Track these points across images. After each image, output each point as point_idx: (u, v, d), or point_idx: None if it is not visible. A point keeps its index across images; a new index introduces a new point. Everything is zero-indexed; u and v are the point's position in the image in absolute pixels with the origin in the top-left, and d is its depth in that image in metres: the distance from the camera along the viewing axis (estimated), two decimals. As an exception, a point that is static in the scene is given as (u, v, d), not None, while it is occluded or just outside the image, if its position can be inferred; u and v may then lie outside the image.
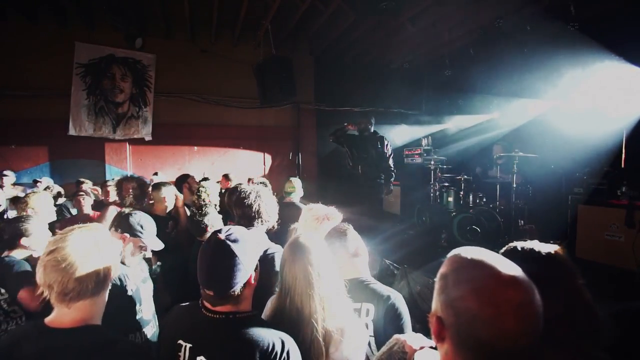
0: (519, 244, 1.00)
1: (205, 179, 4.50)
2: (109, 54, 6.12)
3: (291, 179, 3.77)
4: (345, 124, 5.11)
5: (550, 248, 0.97)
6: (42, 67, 5.75)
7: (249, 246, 1.20)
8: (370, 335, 1.50)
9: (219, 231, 1.20)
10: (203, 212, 2.47)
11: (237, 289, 1.14)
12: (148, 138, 6.46)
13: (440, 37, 6.15)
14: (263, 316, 1.43)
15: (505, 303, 0.60)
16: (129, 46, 5.97)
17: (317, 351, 1.24)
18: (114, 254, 1.17)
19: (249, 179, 5.51)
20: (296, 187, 3.68)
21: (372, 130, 5.02)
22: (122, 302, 1.61)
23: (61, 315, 1.07)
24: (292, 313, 1.28)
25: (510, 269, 0.65)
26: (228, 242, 1.15)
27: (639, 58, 4.40)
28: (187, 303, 1.29)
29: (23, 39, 5.68)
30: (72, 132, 5.96)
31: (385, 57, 7.47)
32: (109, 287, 1.16)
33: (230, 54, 6.75)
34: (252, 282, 1.21)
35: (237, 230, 1.22)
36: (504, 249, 1.04)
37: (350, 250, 1.66)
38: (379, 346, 1.45)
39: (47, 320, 1.08)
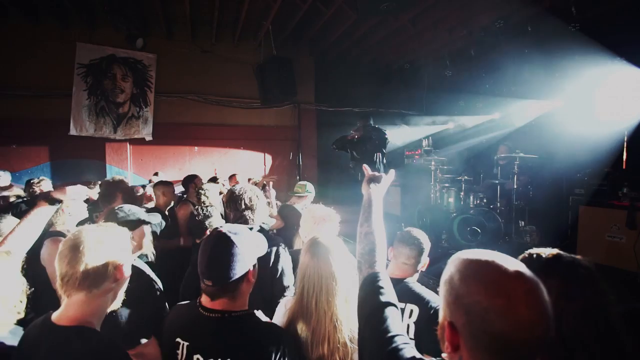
0: (535, 251, 0.98)
1: (214, 178, 4.51)
2: (110, 54, 6.12)
3: (305, 182, 3.50)
4: (347, 135, 5.10)
5: (571, 255, 0.94)
6: (43, 67, 5.76)
7: (249, 240, 1.22)
8: (411, 338, 1.48)
9: (221, 226, 1.26)
10: (207, 213, 2.45)
11: (235, 280, 1.15)
12: (149, 138, 6.46)
13: (441, 38, 6.14)
14: (279, 317, 1.43)
15: (513, 292, 0.61)
16: (130, 46, 5.98)
17: (343, 354, 1.25)
18: (122, 254, 1.14)
19: (249, 179, 5.51)
20: (306, 190, 3.37)
21: (371, 127, 5.02)
22: None
23: (62, 310, 1.07)
24: (320, 313, 1.28)
25: (512, 262, 0.66)
26: (229, 233, 1.19)
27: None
28: (187, 302, 1.30)
29: (24, 39, 5.69)
30: (73, 132, 5.96)
31: (386, 57, 7.47)
32: (117, 293, 1.14)
33: (231, 55, 6.76)
34: (251, 279, 1.22)
35: (238, 226, 1.26)
36: (520, 257, 1.00)
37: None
38: (419, 351, 1.42)
39: (53, 314, 1.08)
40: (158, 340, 1.38)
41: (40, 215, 1.54)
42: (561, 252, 0.97)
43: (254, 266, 1.24)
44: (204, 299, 1.20)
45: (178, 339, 1.17)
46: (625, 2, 4.53)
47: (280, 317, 1.43)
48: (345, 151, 5.21)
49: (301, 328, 1.30)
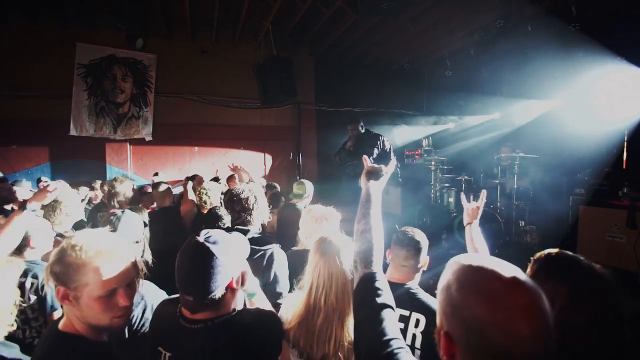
0: (552, 254, 0.96)
1: (215, 178, 4.50)
2: (110, 55, 6.12)
3: (303, 180, 3.49)
4: (346, 145, 5.00)
5: (590, 263, 0.93)
6: (43, 67, 5.76)
7: (230, 248, 1.12)
8: (417, 348, 1.47)
9: (198, 234, 1.12)
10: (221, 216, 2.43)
11: (218, 293, 1.06)
12: (149, 138, 6.46)
13: (441, 38, 6.14)
14: (284, 312, 1.41)
15: (513, 305, 0.58)
16: (130, 46, 5.97)
17: (347, 352, 1.25)
18: (114, 263, 1.02)
19: (249, 179, 5.50)
20: (306, 190, 3.34)
21: (362, 131, 4.95)
22: None
23: (64, 316, 1.06)
24: (329, 311, 1.27)
25: (511, 270, 0.63)
26: (207, 244, 1.08)
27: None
28: (171, 305, 1.20)
29: (24, 40, 5.69)
30: (73, 132, 5.97)
31: (386, 57, 7.47)
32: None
33: (231, 54, 6.76)
34: (235, 287, 1.12)
35: (216, 233, 1.14)
36: (536, 256, 0.99)
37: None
38: None
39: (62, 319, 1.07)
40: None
41: (18, 225, 1.58)
42: (581, 257, 0.94)
43: (240, 272, 1.15)
44: (185, 311, 1.12)
45: (160, 348, 1.12)
46: (625, 2, 4.53)
47: (285, 312, 1.42)
48: (348, 161, 5.13)
49: (307, 325, 1.29)
